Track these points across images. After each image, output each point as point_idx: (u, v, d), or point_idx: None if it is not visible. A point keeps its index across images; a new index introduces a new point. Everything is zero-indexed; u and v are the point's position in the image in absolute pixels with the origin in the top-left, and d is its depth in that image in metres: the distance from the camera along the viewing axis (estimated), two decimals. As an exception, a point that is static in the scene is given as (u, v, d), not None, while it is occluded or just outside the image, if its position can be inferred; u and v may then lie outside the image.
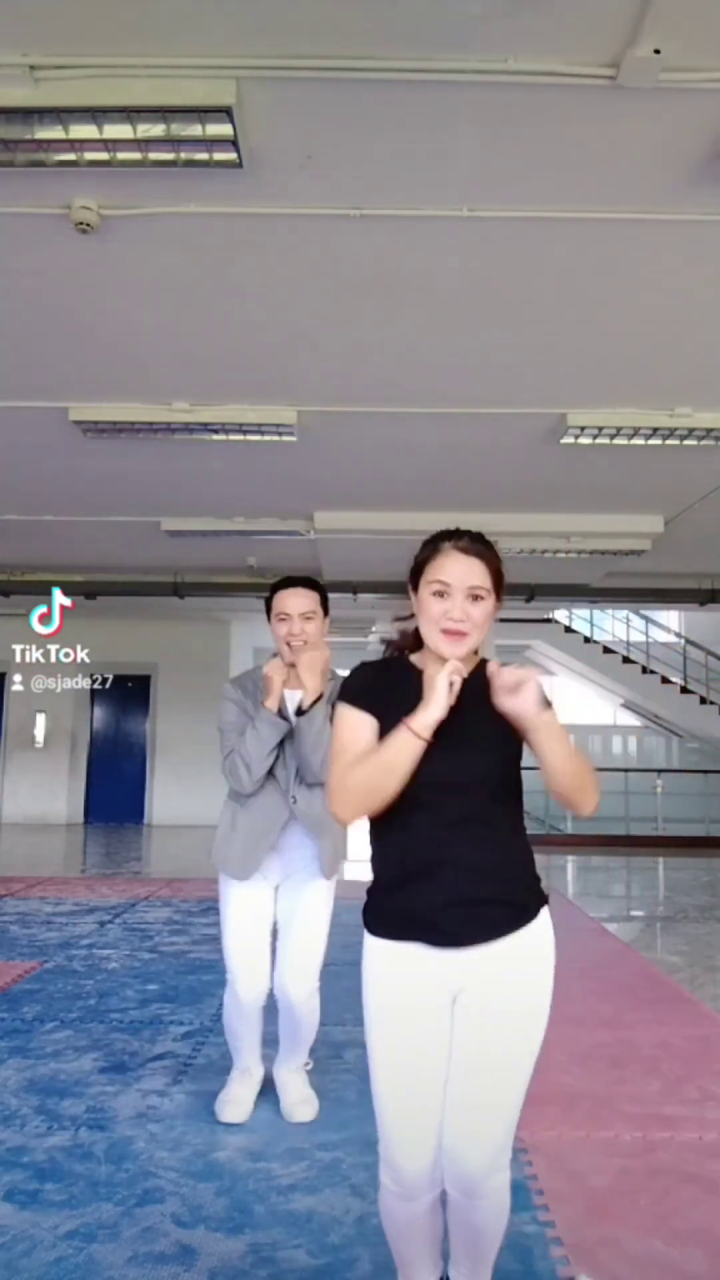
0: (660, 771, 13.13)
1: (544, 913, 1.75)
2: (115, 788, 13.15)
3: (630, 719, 15.15)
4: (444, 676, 1.64)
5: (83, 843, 11.21)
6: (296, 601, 2.84)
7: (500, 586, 1.75)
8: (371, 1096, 1.73)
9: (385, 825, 1.73)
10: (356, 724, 1.73)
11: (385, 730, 1.71)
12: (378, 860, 1.78)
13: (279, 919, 2.94)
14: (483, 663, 1.77)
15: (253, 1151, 2.67)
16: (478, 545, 1.74)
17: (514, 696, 1.61)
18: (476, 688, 1.69)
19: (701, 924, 6.63)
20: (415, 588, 1.76)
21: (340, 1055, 3.40)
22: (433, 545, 1.75)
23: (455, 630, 1.69)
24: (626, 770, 13.39)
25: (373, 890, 1.77)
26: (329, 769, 1.76)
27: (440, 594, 1.70)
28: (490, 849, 1.70)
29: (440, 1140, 1.67)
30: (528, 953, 1.71)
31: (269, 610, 2.88)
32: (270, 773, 2.83)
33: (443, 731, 1.65)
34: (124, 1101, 3.01)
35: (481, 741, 1.71)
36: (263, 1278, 2.04)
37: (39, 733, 13.10)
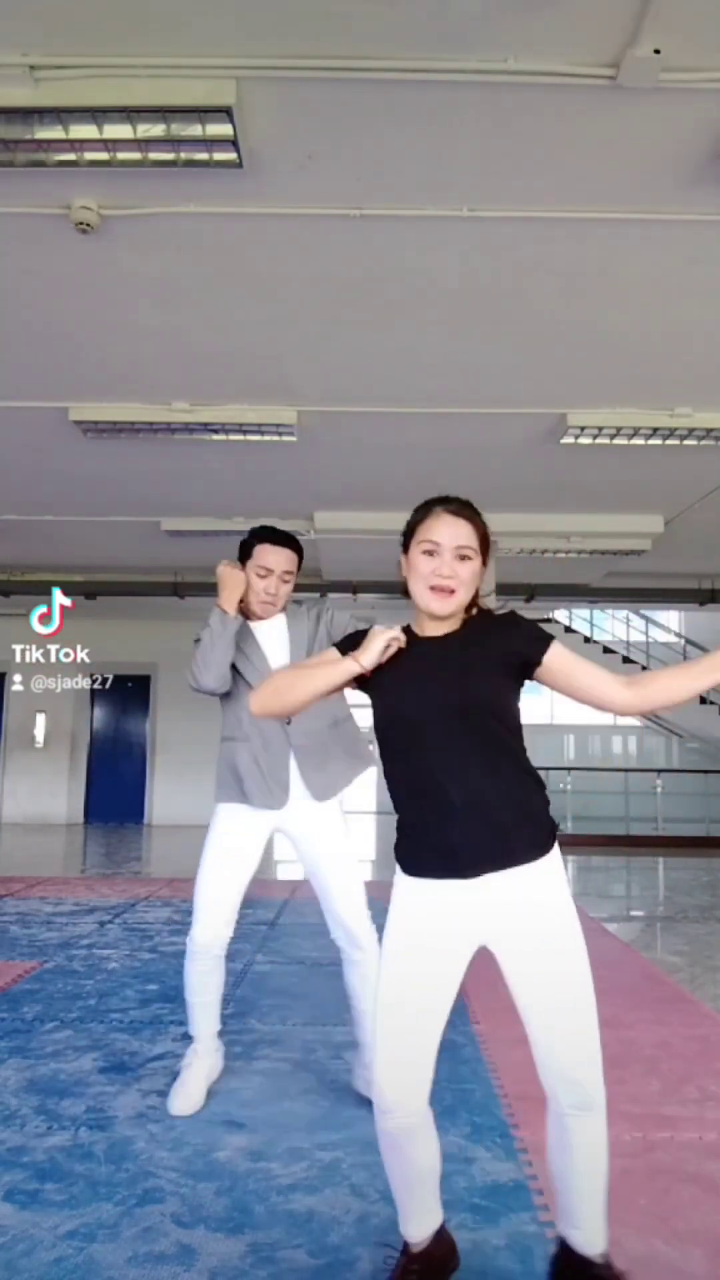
0: (660, 771, 13.13)
1: (555, 848, 1.84)
2: (115, 788, 13.15)
3: (630, 719, 15.14)
4: (383, 638, 1.80)
5: (83, 843, 11.21)
6: (280, 559, 2.81)
7: (486, 550, 1.86)
8: (373, 1015, 1.82)
9: (391, 757, 1.84)
10: (326, 661, 1.89)
11: (375, 690, 1.85)
12: (393, 793, 1.89)
13: (305, 862, 2.88)
14: (481, 611, 1.89)
15: (253, 1151, 2.66)
16: (466, 510, 1.86)
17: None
18: (476, 631, 1.84)
19: (701, 924, 6.63)
20: (406, 549, 1.88)
21: (340, 1055, 3.40)
22: (424, 509, 1.88)
23: (443, 586, 1.80)
24: (626, 770, 13.40)
25: (399, 827, 1.87)
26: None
27: (430, 553, 1.81)
28: (494, 776, 1.79)
29: (420, 1074, 1.78)
30: (545, 879, 1.79)
31: (245, 555, 2.84)
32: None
33: (440, 666, 1.79)
34: (124, 1101, 3.01)
35: (477, 676, 1.79)
36: (263, 1278, 2.04)
37: (39, 733, 13.10)
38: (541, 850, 1.79)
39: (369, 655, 1.80)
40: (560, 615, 14.28)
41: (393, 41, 2.75)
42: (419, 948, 1.79)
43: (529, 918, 1.76)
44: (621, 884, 9.32)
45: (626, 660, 14.30)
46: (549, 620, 13.87)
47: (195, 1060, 2.97)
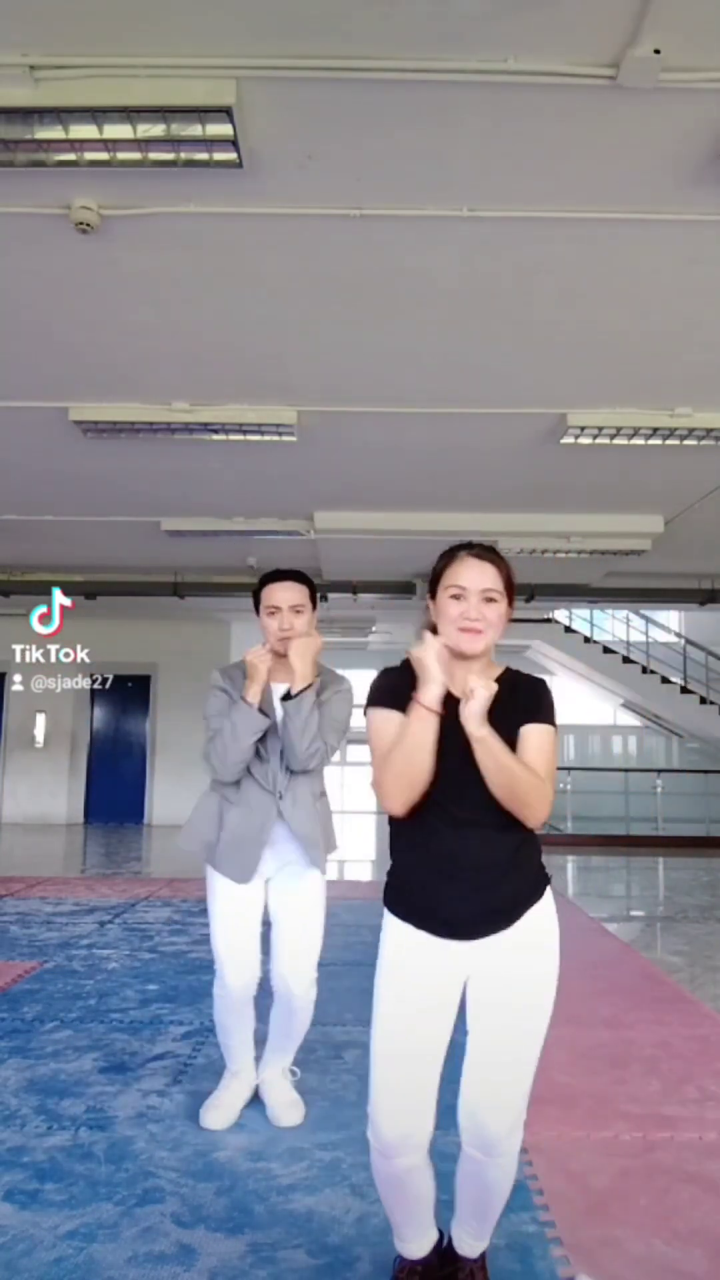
0: (660, 771, 13.13)
1: (548, 892, 1.89)
2: (115, 788, 13.15)
3: (630, 719, 15.15)
4: (430, 656, 1.79)
5: (83, 843, 11.21)
6: (286, 594, 2.79)
7: (512, 591, 1.90)
8: (369, 1061, 1.85)
9: (403, 822, 1.84)
10: (385, 720, 1.86)
11: None
12: (397, 853, 1.90)
13: (273, 913, 2.90)
14: (505, 671, 1.92)
15: (253, 1151, 2.67)
16: (490, 554, 1.90)
17: (465, 704, 1.74)
18: (509, 690, 1.85)
19: (701, 924, 6.63)
20: (434, 595, 1.91)
21: (340, 1055, 3.40)
22: (450, 555, 1.91)
23: (471, 628, 1.84)
24: (626, 770, 13.40)
25: (392, 874, 1.90)
26: (373, 773, 1.86)
27: (457, 597, 1.85)
28: (503, 848, 1.82)
29: (419, 1118, 1.81)
30: (535, 932, 1.85)
31: (257, 604, 2.85)
32: (256, 767, 2.82)
33: (458, 733, 1.77)
34: (124, 1101, 3.01)
35: (506, 740, 1.79)
36: (263, 1278, 2.04)
37: (39, 733, 13.09)
38: (533, 900, 1.85)
39: (433, 688, 1.78)
40: (560, 615, 14.28)
41: (393, 41, 2.75)
42: (412, 996, 1.82)
43: (508, 979, 1.81)
44: (621, 884, 9.32)
45: (627, 660, 14.30)
46: (549, 620, 13.88)
47: (233, 1081, 2.97)
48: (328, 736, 2.78)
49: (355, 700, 2.83)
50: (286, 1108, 2.90)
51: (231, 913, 2.85)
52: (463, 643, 1.83)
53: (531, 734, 1.83)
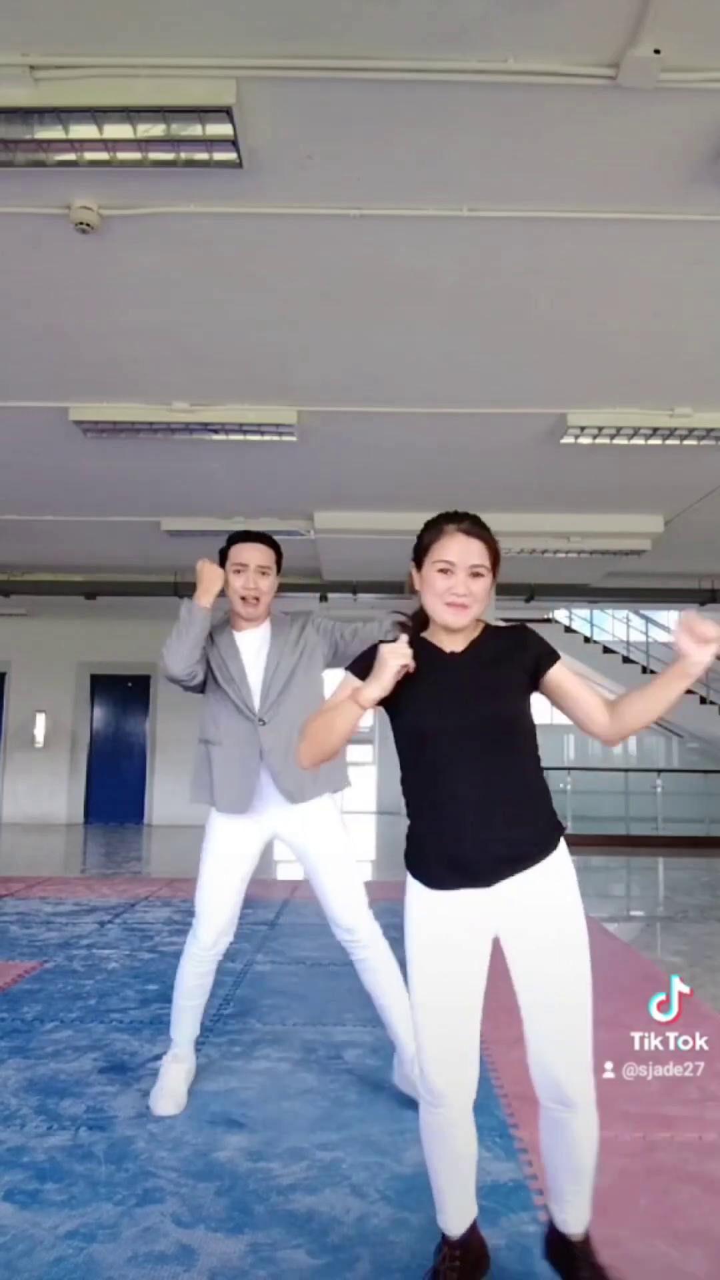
0: (660, 771, 13.12)
1: (561, 843, 1.90)
2: (115, 788, 13.14)
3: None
4: (391, 668, 1.81)
5: (83, 843, 11.21)
6: (254, 554, 2.84)
7: (497, 564, 1.91)
8: (412, 1020, 1.90)
9: (410, 769, 1.90)
10: (341, 685, 1.94)
11: (395, 706, 1.89)
12: (409, 802, 1.93)
13: (301, 861, 2.92)
14: (486, 627, 1.95)
15: (253, 1151, 2.66)
16: (478, 528, 1.91)
17: (699, 644, 1.71)
18: (490, 645, 1.90)
19: (701, 924, 6.63)
20: (419, 566, 1.92)
21: (340, 1055, 3.40)
22: (436, 528, 1.91)
23: (458, 603, 1.86)
24: (626, 770, 13.39)
25: (410, 835, 1.93)
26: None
27: (445, 571, 1.86)
28: (510, 790, 1.85)
29: (467, 1066, 1.86)
30: (555, 878, 1.85)
31: (223, 561, 2.88)
32: (230, 689, 2.88)
33: (459, 684, 1.84)
34: (124, 1101, 3.01)
35: (495, 692, 1.86)
36: (262, 1278, 2.04)
37: (39, 733, 13.09)
38: (548, 849, 1.86)
39: (374, 689, 1.83)
40: (560, 615, 14.27)
41: (393, 41, 2.75)
42: (442, 946, 1.85)
43: (537, 916, 1.83)
44: (621, 884, 9.32)
45: (626, 660, 14.30)
46: (549, 620, 13.87)
47: (174, 1064, 3.00)
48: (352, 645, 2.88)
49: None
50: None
51: (222, 854, 2.87)
52: (449, 617, 1.86)
53: (563, 678, 1.88)
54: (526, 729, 1.90)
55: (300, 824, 2.89)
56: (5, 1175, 2.49)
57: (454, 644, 1.91)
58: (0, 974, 4.61)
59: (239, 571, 2.83)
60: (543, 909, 1.83)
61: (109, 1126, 2.81)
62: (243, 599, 2.85)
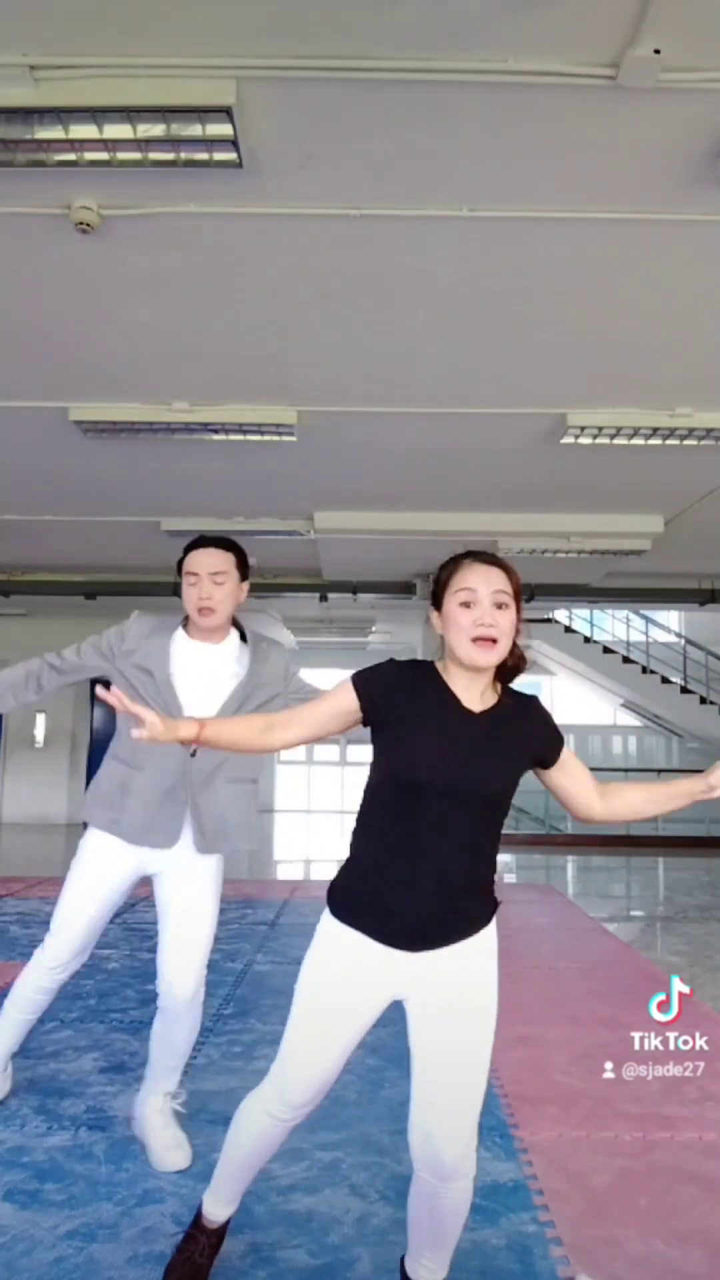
0: (660, 771, 13.13)
1: (494, 917, 1.83)
2: (115, 788, 13.13)
3: (630, 719, 15.15)
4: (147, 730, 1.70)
5: (83, 843, 11.19)
6: (207, 560, 2.52)
7: (519, 598, 1.79)
8: (285, 1032, 1.83)
9: (383, 814, 1.77)
10: (335, 701, 1.79)
11: (397, 729, 1.74)
12: (365, 841, 1.80)
13: (160, 904, 2.63)
14: (505, 690, 1.82)
15: (253, 1151, 2.66)
16: (497, 560, 1.80)
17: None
18: (507, 713, 1.78)
19: (701, 924, 6.63)
20: (439, 606, 1.79)
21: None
22: (453, 563, 1.80)
23: (486, 637, 1.72)
24: (626, 770, 13.40)
25: (347, 870, 1.82)
26: (291, 715, 1.85)
27: (467, 604, 1.73)
28: (473, 865, 1.77)
29: (328, 1080, 1.80)
30: (477, 952, 1.78)
31: (180, 573, 2.60)
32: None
33: (473, 748, 1.73)
34: (124, 1101, 3.01)
35: (502, 769, 1.76)
36: (263, 1278, 2.04)
37: (39, 733, 13.09)
38: (483, 924, 1.79)
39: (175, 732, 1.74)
40: (560, 615, 14.28)
41: (393, 41, 2.75)
42: (333, 1001, 1.77)
43: (450, 990, 1.74)
44: (621, 884, 9.32)
45: (627, 660, 14.31)
46: (549, 620, 13.87)
47: None
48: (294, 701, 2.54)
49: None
50: (171, 1149, 2.56)
51: (96, 876, 2.61)
52: (477, 656, 1.72)
53: (571, 763, 1.83)
54: (508, 806, 1.82)
55: (182, 867, 2.58)
56: (5, 1175, 2.49)
57: (472, 698, 1.77)
58: (0, 974, 4.61)
59: (192, 583, 2.53)
60: (458, 979, 1.75)
61: (109, 1126, 2.81)
62: (199, 610, 2.52)
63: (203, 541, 2.61)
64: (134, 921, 6.07)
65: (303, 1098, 1.82)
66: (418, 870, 1.72)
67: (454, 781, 1.70)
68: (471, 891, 1.77)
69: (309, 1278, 2.05)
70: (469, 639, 1.72)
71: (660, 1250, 2.18)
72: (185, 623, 2.64)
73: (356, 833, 1.82)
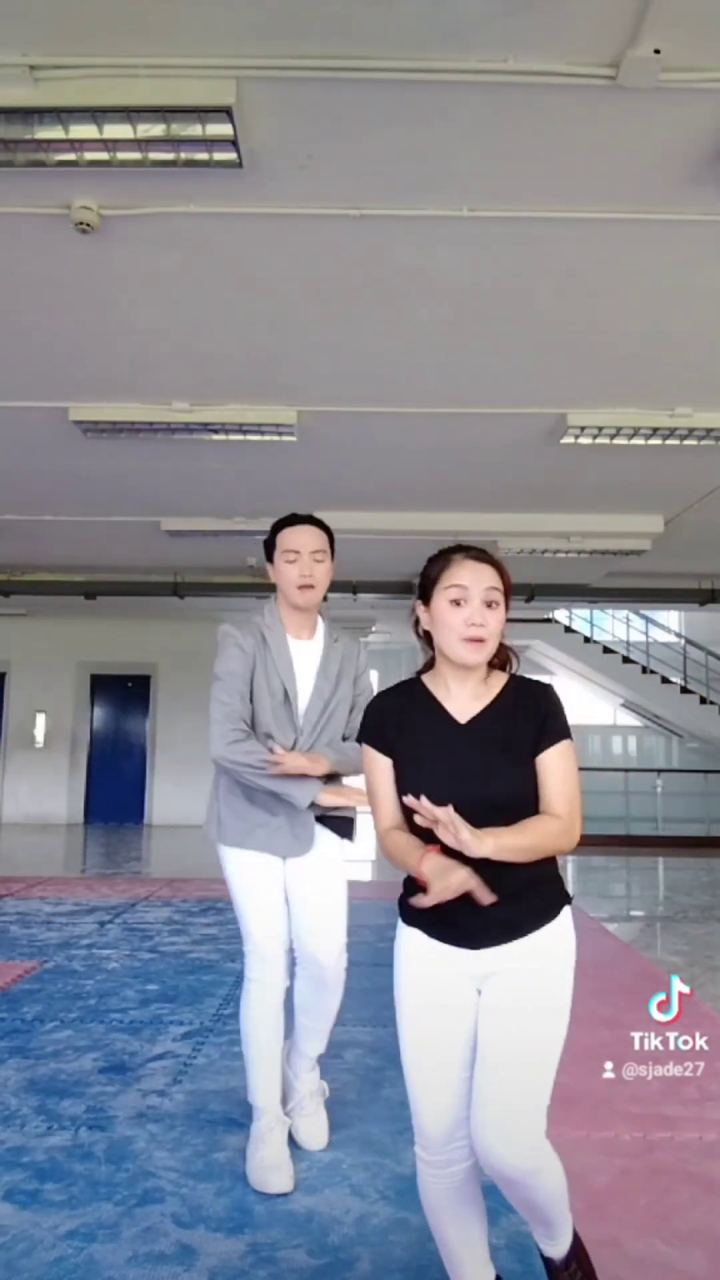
0: (660, 771, 13.13)
1: (565, 912, 1.80)
2: (115, 788, 13.14)
3: (630, 719, 15.15)
4: (450, 889, 1.64)
5: (83, 843, 11.21)
6: (307, 539, 2.55)
7: (509, 596, 1.79)
8: (402, 1072, 1.80)
9: (416, 828, 1.74)
10: (374, 764, 1.81)
11: (399, 760, 1.78)
12: None
13: (290, 885, 2.63)
14: (512, 679, 1.82)
15: (253, 1151, 2.66)
16: (487, 556, 1.79)
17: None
18: (505, 706, 1.77)
19: (701, 924, 6.63)
20: (427, 602, 1.78)
21: (340, 1055, 3.40)
22: (443, 558, 1.78)
23: (476, 637, 1.72)
24: (626, 770, 13.39)
25: (407, 881, 1.82)
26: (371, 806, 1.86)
27: (458, 601, 1.73)
28: (506, 866, 1.70)
29: (461, 1111, 1.73)
30: (548, 949, 1.76)
31: (270, 551, 2.61)
32: (276, 730, 2.58)
33: (468, 757, 1.73)
34: (124, 1101, 3.01)
35: (494, 773, 1.74)
36: (263, 1278, 2.04)
37: (39, 733, 13.10)
38: (546, 918, 1.76)
39: (427, 902, 1.66)
40: (560, 615, 14.27)
41: (392, 41, 2.74)
42: (429, 1008, 1.77)
43: (518, 990, 1.72)
44: (621, 884, 9.33)
45: (627, 660, 14.30)
46: (549, 620, 13.87)
47: (269, 1133, 2.52)
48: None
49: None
50: (317, 1129, 2.68)
51: (254, 878, 2.59)
52: (466, 655, 1.72)
53: (552, 762, 1.73)
54: (530, 799, 1.75)
55: (312, 858, 2.61)
56: (5, 1175, 2.49)
57: (463, 701, 1.77)
58: (0, 974, 4.61)
59: (292, 560, 2.54)
60: (525, 978, 1.72)
61: (109, 1126, 2.82)
62: (300, 587, 2.55)
63: (298, 519, 2.62)
64: (134, 921, 6.07)
65: (436, 1128, 1.75)
66: None
67: (453, 792, 1.68)
68: (522, 888, 1.72)
69: (309, 1278, 2.05)
70: (459, 638, 1.72)
71: (660, 1250, 2.18)
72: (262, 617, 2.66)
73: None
